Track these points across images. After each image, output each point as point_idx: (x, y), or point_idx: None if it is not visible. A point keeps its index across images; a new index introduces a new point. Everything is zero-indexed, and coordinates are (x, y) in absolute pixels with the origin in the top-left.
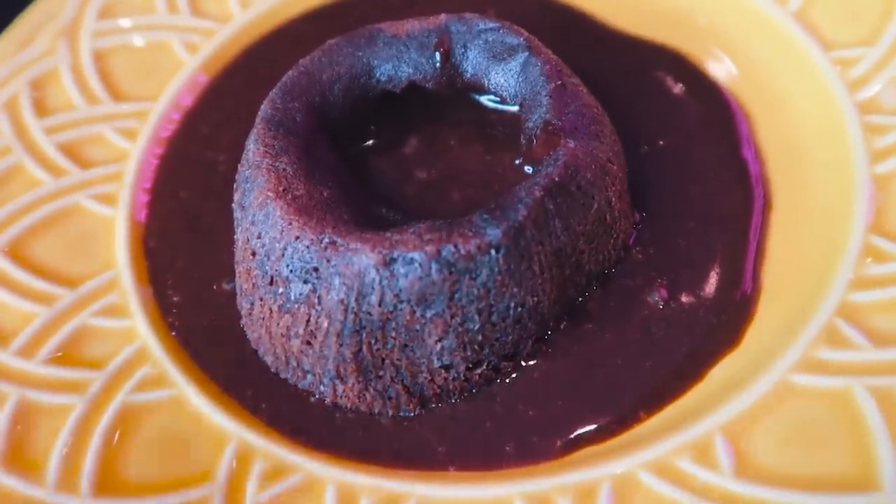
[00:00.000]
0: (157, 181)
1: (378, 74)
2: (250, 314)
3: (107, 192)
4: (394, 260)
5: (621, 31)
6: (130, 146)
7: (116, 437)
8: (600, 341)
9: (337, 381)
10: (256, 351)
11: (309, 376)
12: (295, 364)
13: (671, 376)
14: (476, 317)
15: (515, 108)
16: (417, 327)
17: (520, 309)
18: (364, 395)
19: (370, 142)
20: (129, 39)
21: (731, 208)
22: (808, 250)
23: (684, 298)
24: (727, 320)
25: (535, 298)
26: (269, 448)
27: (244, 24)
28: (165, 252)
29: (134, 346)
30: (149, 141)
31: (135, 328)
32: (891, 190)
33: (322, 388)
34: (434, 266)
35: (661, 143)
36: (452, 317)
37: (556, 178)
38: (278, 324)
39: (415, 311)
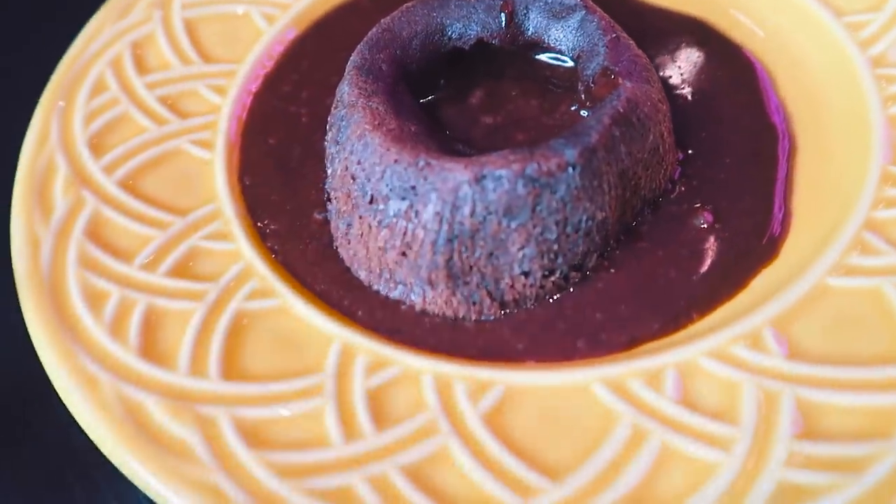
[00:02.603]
0: (246, 130)
1: (450, 32)
2: (347, 234)
3: (204, 139)
4: (484, 177)
5: (651, 4)
6: (221, 100)
7: (234, 337)
8: (654, 257)
9: (427, 288)
10: (350, 269)
11: (400, 287)
12: (388, 276)
13: (718, 284)
14: (554, 227)
15: (570, 64)
16: (503, 237)
17: (590, 222)
18: (451, 300)
19: (440, 93)
20: (214, 10)
21: (762, 149)
22: (834, 181)
23: (725, 221)
24: (766, 238)
25: (603, 214)
26: (369, 345)
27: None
28: (260, 188)
29: (240, 264)
30: (237, 96)
31: (240, 250)
32: None
33: (413, 296)
34: (520, 182)
35: (694, 97)
36: (534, 227)
37: (621, 110)
38: (377, 238)
39: (501, 222)
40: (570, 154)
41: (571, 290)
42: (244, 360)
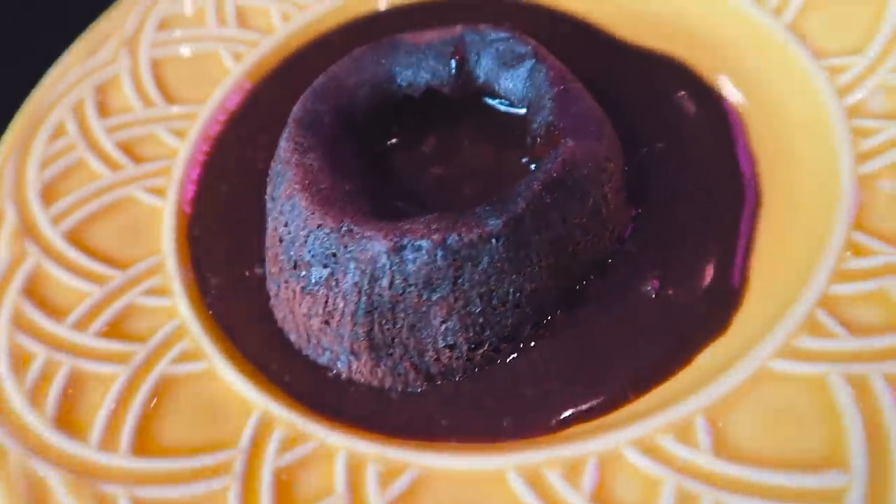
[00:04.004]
0: (202, 176)
1: (399, 80)
2: (277, 295)
3: (157, 185)
4: (403, 247)
5: (626, 42)
6: (179, 144)
7: (154, 404)
8: (595, 326)
9: (352, 358)
10: (282, 330)
11: (327, 353)
12: (315, 342)
13: (660, 361)
14: (478, 300)
15: (523, 111)
16: (424, 309)
17: (518, 294)
18: (376, 371)
19: (393, 140)
20: (182, 50)
21: (723, 206)
22: (795, 245)
23: (675, 289)
24: (716, 310)
25: (533, 285)
26: (288, 418)
27: (285, 36)
28: (207, 239)
29: (174, 323)
30: (196, 140)
31: (175, 307)
32: (873, 188)
33: (339, 364)
34: (439, 253)
35: (660, 145)
36: (456, 300)
37: (554, 174)
38: (300, 304)
39: (421, 295)
40: (494, 224)
41: (504, 361)
42: (160, 431)
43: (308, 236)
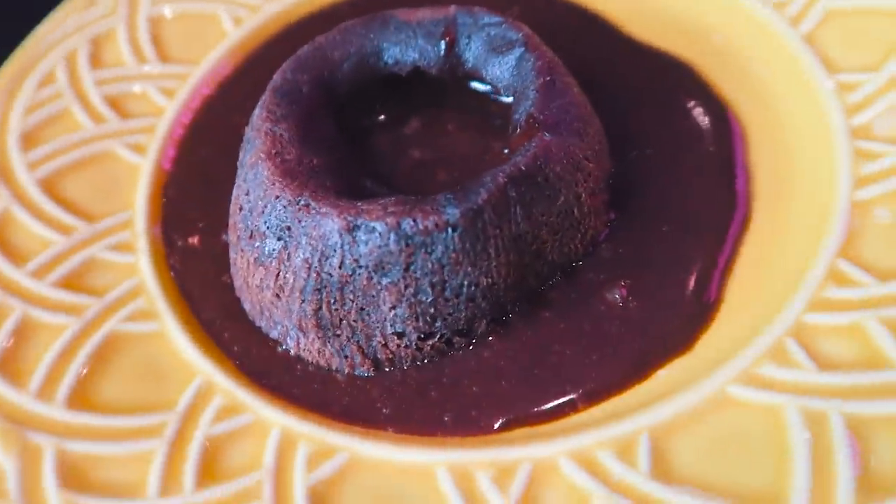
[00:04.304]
0: (184, 137)
1: (386, 57)
2: (235, 264)
3: (139, 142)
4: (357, 227)
5: (634, 38)
6: (168, 103)
7: (98, 359)
8: (555, 330)
9: (300, 335)
10: (239, 298)
11: (279, 327)
12: (268, 314)
13: (616, 373)
14: (429, 290)
15: (510, 100)
16: (373, 293)
17: (473, 288)
18: (323, 350)
19: (379, 118)
20: (181, 8)
21: (710, 220)
22: (777, 267)
23: (643, 300)
24: (683, 326)
25: (490, 280)
26: (229, 387)
27: (292, 3)
28: (180, 201)
29: (133, 281)
30: (185, 101)
31: (137, 265)
32: (868, 216)
33: (289, 339)
34: (393, 236)
35: (651, 150)
36: (406, 287)
37: (523, 168)
38: (254, 275)
39: (371, 277)
40: (452, 214)
41: (456, 355)
42: (100, 387)
43: (266, 207)
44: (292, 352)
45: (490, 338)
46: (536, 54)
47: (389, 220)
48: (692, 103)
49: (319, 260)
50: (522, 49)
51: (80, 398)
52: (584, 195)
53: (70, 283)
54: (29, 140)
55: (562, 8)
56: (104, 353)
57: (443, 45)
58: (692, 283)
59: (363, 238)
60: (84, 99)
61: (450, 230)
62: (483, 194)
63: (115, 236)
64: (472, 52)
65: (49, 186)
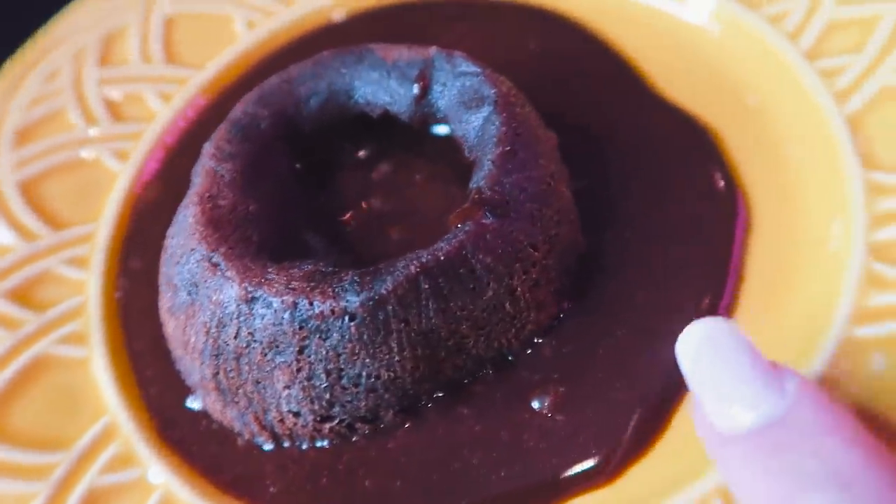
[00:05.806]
0: (171, 148)
1: (357, 96)
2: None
3: (122, 149)
4: (255, 299)
5: (665, 97)
6: (162, 108)
7: (17, 383)
8: (470, 431)
9: (204, 392)
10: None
11: (190, 377)
12: (181, 363)
13: (521, 492)
14: (323, 376)
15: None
16: (267, 369)
17: (373, 380)
18: (225, 413)
19: (352, 157)
20: (197, 8)
21: (676, 330)
22: None
23: (571, 413)
24: (609, 454)
25: (392, 373)
26: (128, 433)
27: (311, 11)
28: (147, 218)
29: (77, 299)
30: (183, 106)
31: (86, 283)
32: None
33: (198, 391)
34: (287, 316)
35: (631, 233)
36: (299, 370)
37: (442, 258)
38: (168, 322)
39: (266, 354)
40: (351, 302)
41: (361, 440)
42: (11, 415)
43: (182, 256)
44: (199, 405)
45: (403, 426)
46: (503, 118)
47: (287, 297)
48: (698, 180)
49: (217, 326)
50: (491, 109)
51: None
52: (520, 288)
53: (19, 295)
54: (23, 137)
55: (581, 41)
56: (27, 376)
57: (415, 89)
58: (634, 404)
59: (260, 312)
60: (82, 98)
61: (346, 318)
62: (388, 284)
63: (74, 249)
64: (446, 101)
65: (27, 189)
